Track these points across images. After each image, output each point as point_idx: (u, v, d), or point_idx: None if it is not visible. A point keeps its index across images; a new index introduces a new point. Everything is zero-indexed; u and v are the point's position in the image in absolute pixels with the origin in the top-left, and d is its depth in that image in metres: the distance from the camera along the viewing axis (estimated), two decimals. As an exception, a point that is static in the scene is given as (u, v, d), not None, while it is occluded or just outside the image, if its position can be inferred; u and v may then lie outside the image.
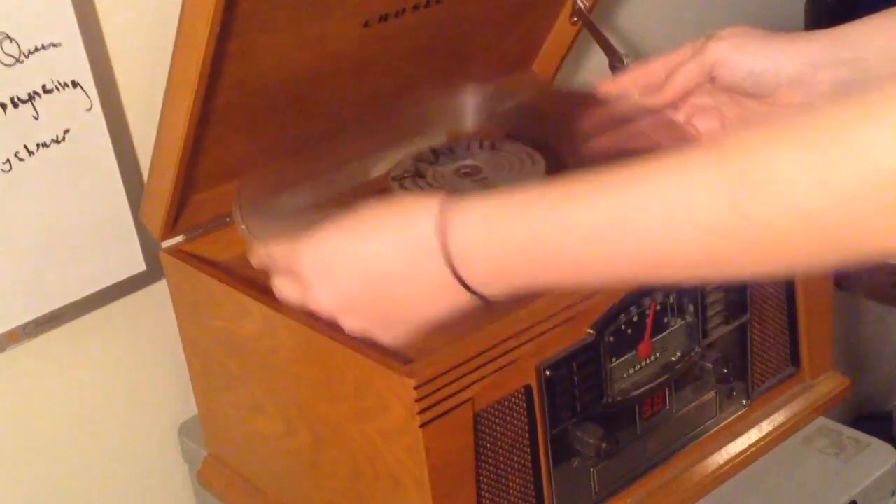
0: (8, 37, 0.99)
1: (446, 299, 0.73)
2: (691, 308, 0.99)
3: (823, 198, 0.56)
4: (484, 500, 0.88)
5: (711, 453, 1.04)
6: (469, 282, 0.71)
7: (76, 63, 1.04)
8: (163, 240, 1.05)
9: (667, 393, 1.00)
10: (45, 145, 1.04)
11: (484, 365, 0.84)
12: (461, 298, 0.73)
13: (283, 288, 0.81)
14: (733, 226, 0.59)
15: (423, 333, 0.77)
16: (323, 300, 0.77)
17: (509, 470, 0.90)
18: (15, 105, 1.01)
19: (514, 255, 0.69)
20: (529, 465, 0.91)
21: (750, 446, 1.06)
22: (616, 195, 0.64)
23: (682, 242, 0.62)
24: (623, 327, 0.94)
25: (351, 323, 0.78)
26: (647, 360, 0.97)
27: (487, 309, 0.74)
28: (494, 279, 0.71)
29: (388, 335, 0.78)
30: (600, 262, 0.66)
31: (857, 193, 0.55)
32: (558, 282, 0.69)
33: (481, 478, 0.88)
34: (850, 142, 0.56)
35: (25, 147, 1.03)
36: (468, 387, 0.84)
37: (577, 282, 0.68)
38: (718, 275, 0.63)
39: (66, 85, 1.04)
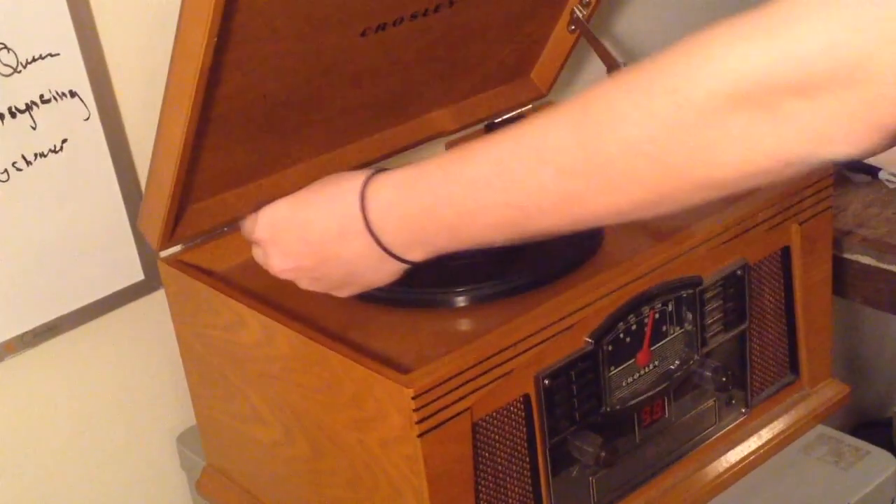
0: (5, 47, 0.99)
1: (376, 264, 0.83)
2: (690, 316, 0.99)
3: (650, 128, 0.64)
4: (483, 510, 0.88)
5: (711, 461, 1.04)
6: (388, 246, 0.81)
7: (74, 73, 1.04)
8: (161, 249, 1.05)
9: (665, 401, 1.00)
10: (42, 155, 1.04)
11: (482, 374, 0.84)
12: (388, 263, 0.83)
13: (255, 254, 0.92)
14: (582, 162, 0.67)
15: (374, 287, 0.88)
16: (276, 264, 0.89)
17: (508, 479, 0.90)
18: (13, 115, 1.01)
19: (421, 216, 0.78)
20: (528, 474, 0.91)
21: (749, 454, 1.06)
22: (498, 148, 0.73)
23: (545, 184, 0.70)
24: (622, 336, 0.94)
25: (304, 284, 0.89)
26: (646, 369, 0.97)
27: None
28: (408, 241, 0.81)
29: (341, 293, 0.89)
30: (488, 212, 0.74)
31: (675, 124, 0.63)
32: (461, 237, 0.78)
33: (480, 487, 0.87)
34: (669, 76, 0.63)
35: (23, 157, 1.03)
36: (467, 396, 0.83)
37: (474, 235, 0.77)
38: (581, 216, 0.71)
39: (63, 95, 1.04)
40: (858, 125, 0.59)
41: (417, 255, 0.82)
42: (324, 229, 0.84)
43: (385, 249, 0.82)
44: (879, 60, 0.56)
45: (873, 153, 0.61)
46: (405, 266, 0.85)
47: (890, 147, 0.61)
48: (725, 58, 0.61)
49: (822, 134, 0.60)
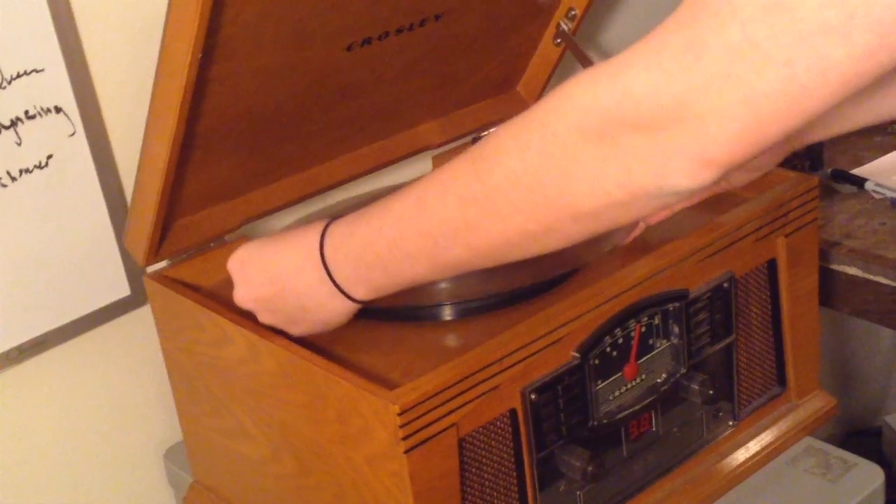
0: (-10, 63, 0.99)
1: (326, 300, 0.88)
2: (676, 329, 0.99)
3: (526, 160, 0.72)
4: (470, 525, 0.88)
5: (698, 474, 1.04)
6: (338, 281, 0.87)
7: (59, 88, 1.04)
8: (146, 265, 1.04)
9: (653, 415, 0.99)
10: (28, 171, 1.04)
11: (468, 389, 0.84)
12: (337, 300, 0.88)
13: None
14: (476, 192, 0.76)
15: (323, 330, 0.93)
16: (239, 293, 0.93)
17: (495, 494, 0.89)
18: (-3, 131, 1.01)
19: (361, 249, 0.84)
20: (515, 489, 0.91)
21: (737, 467, 1.06)
22: (421, 185, 0.81)
23: (449, 212, 0.78)
24: (608, 350, 0.94)
25: (264, 317, 0.93)
26: (633, 382, 0.97)
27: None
28: (353, 276, 0.86)
29: (294, 329, 0.92)
30: (407, 241, 0.81)
31: (544, 156, 0.71)
32: (392, 271, 0.84)
33: (467, 503, 0.87)
34: (542, 113, 0.72)
35: (8, 173, 1.03)
36: (453, 411, 0.83)
37: (402, 268, 0.83)
38: (479, 245, 0.78)
39: (48, 110, 1.04)
40: (689, 160, 0.66)
41: (361, 293, 0.87)
42: (286, 263, 0.90)
43: (335, 283, 0.87)
44: (698, 103, 0.64)
45: (711, 185, 0.68)
46: (354, 307, 0.89)
47: (725, 177, 0.68)
48: (581, 97, 0.69)
49: (660, 167, 0.67)
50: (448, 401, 0.83)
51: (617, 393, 0.96)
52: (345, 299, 0.88)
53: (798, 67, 0.61)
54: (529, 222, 0.75)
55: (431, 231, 0.80)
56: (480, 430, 0.87)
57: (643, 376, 0.98)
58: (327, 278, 0.87)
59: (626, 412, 0.97)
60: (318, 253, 0.87)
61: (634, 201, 0.70)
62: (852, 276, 1.23)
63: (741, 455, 1.07)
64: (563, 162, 0.70)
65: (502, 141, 0.75)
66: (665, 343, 0.99)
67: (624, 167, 0.68)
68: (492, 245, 0.78)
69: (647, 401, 0.98)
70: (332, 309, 0.89)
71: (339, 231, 0.87)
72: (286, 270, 0.89)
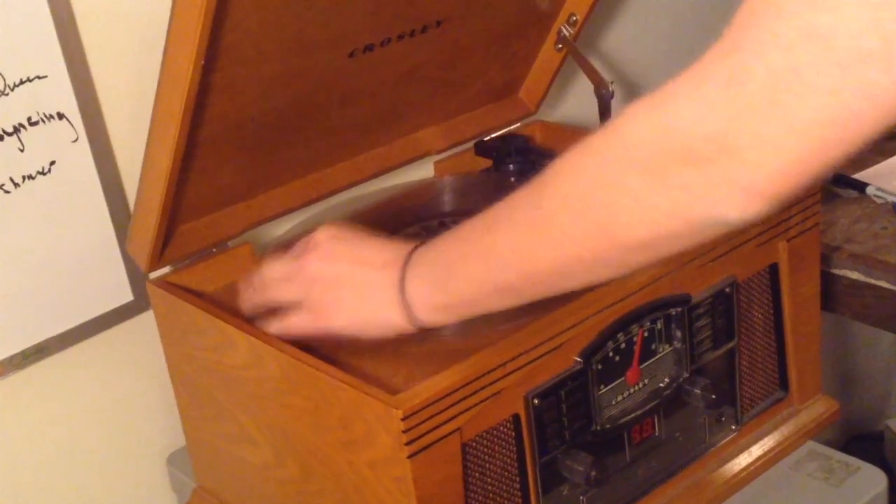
0: (-7, 70, 0.99)
1: (384, 308, 0.87)
2: (679, 334, 0.99)
3: (579, 185, 0.73)
4: (473, 530, 0.88)
5: (701, 479, 1.04)
6: (407, 296, 0.86)
7: (62, 95, 1.04)
8: (149, 271, 1.04)
9: (655, 419, 1.00)
10: (31, 177, 1.04)
11: (472, 394, 0.84)
12: (394, 314, 0.87)
13: (268, 268, 0.95)
14: (533, 216, 0.76)
15: (363, 335, 0.90)
16: (308, 261, 0.92)
17: (498, 499, 0.90)
18: (0, 138, 1.01)
19: (430, 268, 0.85)
20: (519, 493, 0.91)
21: (739, 471, 1.06)
22: (494, 207, 0.80)
23: (506, 237, 0.78)
24: (611, 354, 0.94)
25: (315, 294, 0.91)
26: (636, 387, 0.97)
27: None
28: (419, 294, 0.86)
29: (334, 317, 0.91)
30: (468, 261, 0.81)
31: (596, 183, 0.71)
32: (449, 290, 0.83)
33: (470, 507, 0.87)
34: (598, 140, 0.71)
35: (11, 179, 1.03)
36: (456, 416, 0.83)
37: (461, 291, 0.83)
38: (532, 273, 0.78)
39: (51, 117, 1.04)
40: (738, 192, 0.64)
41: (422, 314, 0.86)
42: (376, 254, 0.89)
43: (403, 296, 0.86)
44: (744, 133, 0.62)
45: (764, 217, 0.66)
46: (401, 327, 0.87)
47: (779, 210, 0.67)
48: (628, 129, 0.69)
49: (709, 199, 0.65)
50: (451, 406, 0.83)
51: (620, 398, 0.96)
52: (401, 314, 0.86)
53: (845, 95, 0.59)
54: (582, 249, 0.73)
55: (488, 253, 0.79)
56: (483, 434, 0.87)
57: (646, 381, 0.98)
58: (399, 287, 0.86)
59: (629, 417, 0.97)
60: (403, 261, 0.86)
61: (688, 232, 0.69)
62: (854, 280, 1.23)
63: (744, 460, 1.07)
64: (613, 190, 0.70)
65: (560, 166, 0.74)
66: (667, 348, 0.99)
67: (672, 198, 0.67)
68: (544, 272, 0.77)
69: (649, 405, 0.98)
70: (383, 318, 0.88)
71: (422, 248, 0.87)
72: (373, 260, 0.89)
